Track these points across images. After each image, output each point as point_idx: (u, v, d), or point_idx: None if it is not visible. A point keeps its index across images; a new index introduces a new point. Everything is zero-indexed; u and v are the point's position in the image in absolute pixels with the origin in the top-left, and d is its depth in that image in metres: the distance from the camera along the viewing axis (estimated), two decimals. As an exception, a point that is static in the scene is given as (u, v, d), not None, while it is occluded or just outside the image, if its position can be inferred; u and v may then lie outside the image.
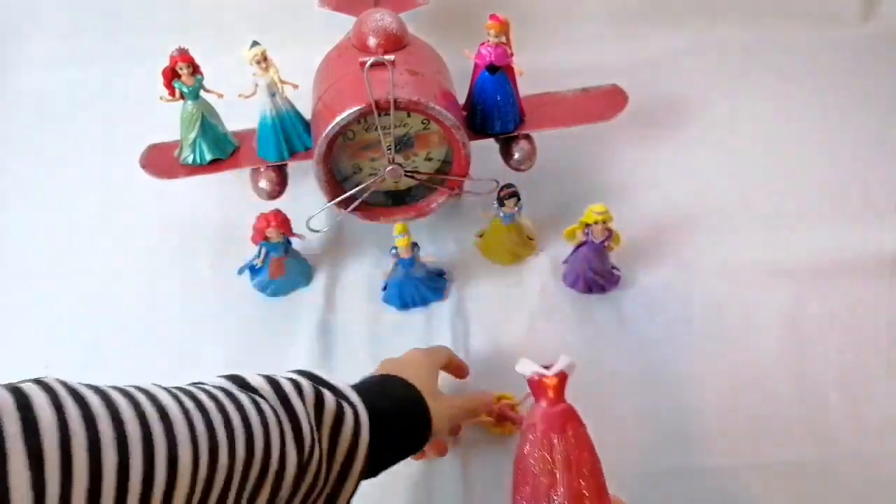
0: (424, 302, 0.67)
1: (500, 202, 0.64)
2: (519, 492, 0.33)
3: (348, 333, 0.65)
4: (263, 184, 0.67)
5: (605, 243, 0.63)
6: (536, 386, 0.33)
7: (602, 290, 0.66)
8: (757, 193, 0.74)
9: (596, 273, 0.64)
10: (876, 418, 0.57)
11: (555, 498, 0.31)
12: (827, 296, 0.65)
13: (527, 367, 0.33)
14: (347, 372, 0.61)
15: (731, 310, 0.64)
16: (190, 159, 0.67)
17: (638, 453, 0.56)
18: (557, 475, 0.32)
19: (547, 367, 0.33)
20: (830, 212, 0.71)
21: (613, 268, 0.66)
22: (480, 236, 0.69)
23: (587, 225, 0.62)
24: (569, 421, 0.33)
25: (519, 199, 0.64)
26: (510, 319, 0.65)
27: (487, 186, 0.65)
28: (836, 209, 0.72)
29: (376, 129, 0.62)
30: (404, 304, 0.66)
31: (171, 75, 0.64)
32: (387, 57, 0.57)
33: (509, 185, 0.64)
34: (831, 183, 0.74)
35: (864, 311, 0.64)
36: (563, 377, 0.33)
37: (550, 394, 0.33)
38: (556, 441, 0.32)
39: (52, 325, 0.67)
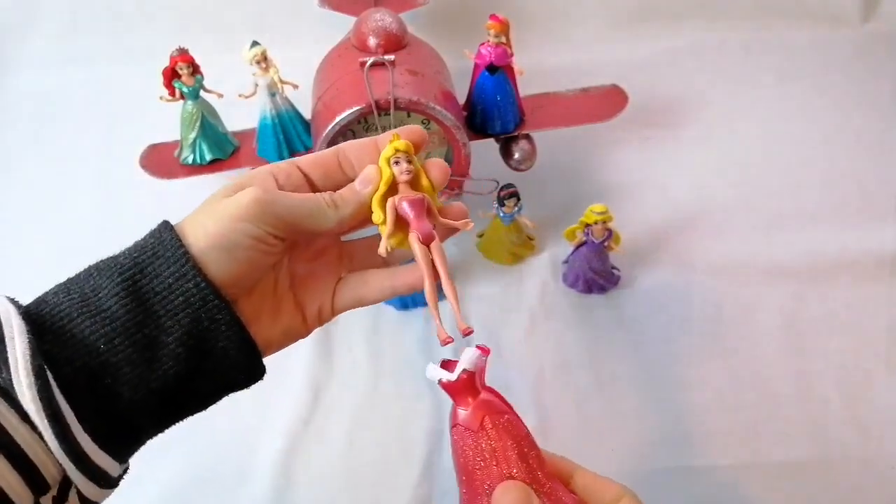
0: (425, 302, 0.67)
1: (500, 202, 0.64)
2: (460, 488, 0.33)
3: (348, 333, 0.65)
4: (263, 184, 0.67)
5: (605, 243, 0.63)
6: (447, 389, 0.33)
7: (602, 290, 0.66)
8: (757, 193, 0.74)
9: (596, 273, 0.64)
10: (876, 418, 0.57)
11: (489, 491, 0.32)
12: (827, 296, 0.65)
13: (433, 374, 0.33)
14: (347, 372, 0.62)
15: (731, 310, 0.64)
16: (190, 159, 0.67)
17: (638, 453, 0.56)
18: (487, 470, 0.32)
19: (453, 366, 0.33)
20: (830, 212, 0.71)
21: (613, 268, 0.66)
22: (480, 236, 0.69)
23: (587, 225, 0.62)
24: (486, 415, 0.33)
25: (519, 199, 0.64)
26: (510, 319, 0.65)
27: (487, 186, 0.65)
28: (836, 209, 0.72)
29: (376, 129, 0.62)
30: (404, 304, 0.66)
31: (171, 75, 0.64)
32: (387, 57, 0.57)
33: (509, 185, 0.64)
34: (831, 183, 0.74)
35: (864, 311, 0.64)
36: (469, 377, 0.33)
37: (463, 394, 0.33)
38: (479, 438, 0.32)
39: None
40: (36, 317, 0.32)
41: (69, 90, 0.88)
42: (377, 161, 0.36)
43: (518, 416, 0.34)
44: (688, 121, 0.81)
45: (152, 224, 0.65)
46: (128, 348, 0.32)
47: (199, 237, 0.33)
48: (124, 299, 0.32)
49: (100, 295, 0.32)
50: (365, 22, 0.65)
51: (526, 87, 0.68)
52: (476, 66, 0.65)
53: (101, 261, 0.34)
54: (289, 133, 0.66)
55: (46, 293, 0.34)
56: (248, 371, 0.36)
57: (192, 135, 0.66)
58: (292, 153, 0.67)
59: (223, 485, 0.56)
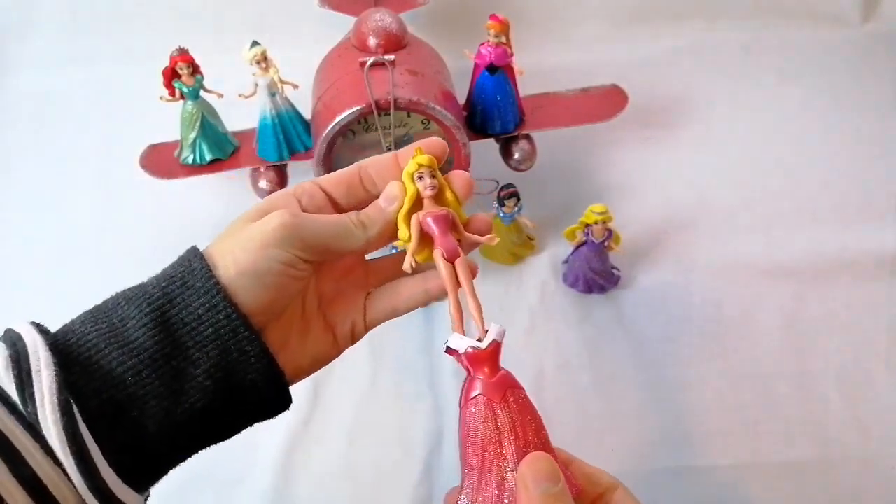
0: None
1: (500, 202, 0.64)
2: (468, 464, 0.33)
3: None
4: (263, 184, 0.67)
5: (605, 243, 0.63)
6: (472, 359, 0.33)
7: (602, 290, 0.66)
8: (757, 193, 0.74)
9: (596, 273, 0.64)
10: (876, 418, 0.57)
11: (505, 465, 0.32)
12: (827, 296, 0.65)
13: (460, 343, 0.33)
14: (347, 372, 0.62)
15: (731, 310, 0.64)
16: (190, 159, 0.67)
17: (638, 453, 0.56)
18: (504, 443, 0.32)
19: (479, 340, 0.34)
20: (830, 212, 0.71)
21: (613, 268, 0.66)
22: (480, 236, 0.69)
23: (587, 225, 0.62)
24: (508, 388, 0.33)
25: (519, 199, 0.64)
26: (510, 319, 0.65)
27: (487, 186, 0.65)
28: (836, 209, 0.72)
29: (376, 129, 0.62)
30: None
31: (171, 75, 0.64)
32: (387, 57, 0.57)
33: (509, 185, 0.64)
34: (831, 183, 0.74)
35: (864, 311, 0.64)
36: (496, 346, 0.33)
37: (486, 365, 0.33)
38: (499, 410, 0.33)
39: (50, 325, 0.66)
40: (63, 347, 0.31)
41: (69, 90, 0.88)
42: (398, 176, 0.36)
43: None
44: (688, 121, 0.81)
45: (152, 224, 0.65)
46: (155, 381, 0.31)
47: (229, 265, 0.33)
48: (152, 330, 0.31)
49: (128, 325, 0.32)
50: (365, 22, 0.65)
51: (526, 87, 0.68)
52: (476, 66, 0.65)
53: (130, 289, 0.34)
54: (289, 133, 0.66)
55: (74, 321, 0.33)
56: (275, 402, 0.35)
57: (192, 135, 0.66)
58: (292, 153, 0.67)
59: (222, 484, 0.56)
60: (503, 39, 0.63)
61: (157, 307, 0.32)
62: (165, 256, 0.77)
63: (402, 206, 0.35)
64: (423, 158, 0.35)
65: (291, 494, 0.55)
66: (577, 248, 0.64)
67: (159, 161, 0.68)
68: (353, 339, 0.39)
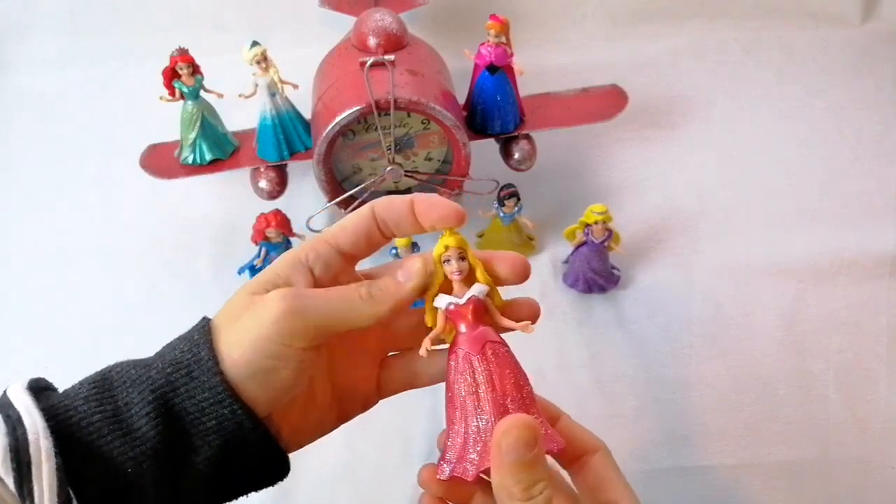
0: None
1: (500, 202, 0.64)
2: (449, 415, 0.34)
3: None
4: (263, 184, 0.67)
5: (605, 243, 0.63)
6: (453, 315, 0.34)
7: (602, 290, 0.66)
8: (757, 193, 0.74)
9: (596, 273, 0.64)
10: (876, 418, 0.57)
11: (482, 416, 0.32)
12: (827, 296, 0.65)
13: (442, 301, 0.34)
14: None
15: (731, 310, 0.64)
16: (190, 159, 0.67)
17: (638, 453, 0.56)
18: (481, 394, 0.33)
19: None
20: (830, 212, 0.71)
21: (613, 268, 0.66)
22: (480, 236, 0.69)
23: (587, 225, 0.62)
24: (487, 342, 0.34)
25: (519, 199, 0.64)
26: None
27: (487, 186, 0.65)
28: (836, 209, 0.72)
29: (376, 129, 0.62)
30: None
31: (171, 75, 0.64)
32: (387, 57, 0.57)
33: (509, 185, 0.64)
34: (831, 183, 0.74)
35: (864, 311, 0.64)
36: (475, 301, 0.34)
37: (465, 320, 0.34)
38: (476, 362, 0.33)
39: (51, 325, 0.66)
40: (65, 427, 0.31)
41: (69, 90, 0.88)
42: (414, 223, 0.34)
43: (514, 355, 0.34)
44: (688, 121, 0.81)
45: (152, 224, 0.64)
46: (156, 472, 0.31)
47: (228, 362, 0.32)
48: (155, 419, 0.31)
49: (132, 412, 0.31)
50: (365, 22, 0.65)
51: (526, 87, 0.68)
52: (476, 66, 0.65)
53: (135, 366, 0.33)
54: (289, 133, 0.66)
55: (77, 393, 0.32)
56: (273, 476, 0.35)
57: (192, 135, 0.66)
58: (292, 153, 0.67)
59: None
60: (503, 39, 0.63)
61: (161, 395, 0.31)
62: (165, 257, 0.77)
63: (419, 285, 0.34)
64: (450, 240, 0.34)
65: (292, 494, 0.55)
66: (577, 248, 0.64)
67: (159, 161, 0.68)
68: (364, 408, 0.38)
